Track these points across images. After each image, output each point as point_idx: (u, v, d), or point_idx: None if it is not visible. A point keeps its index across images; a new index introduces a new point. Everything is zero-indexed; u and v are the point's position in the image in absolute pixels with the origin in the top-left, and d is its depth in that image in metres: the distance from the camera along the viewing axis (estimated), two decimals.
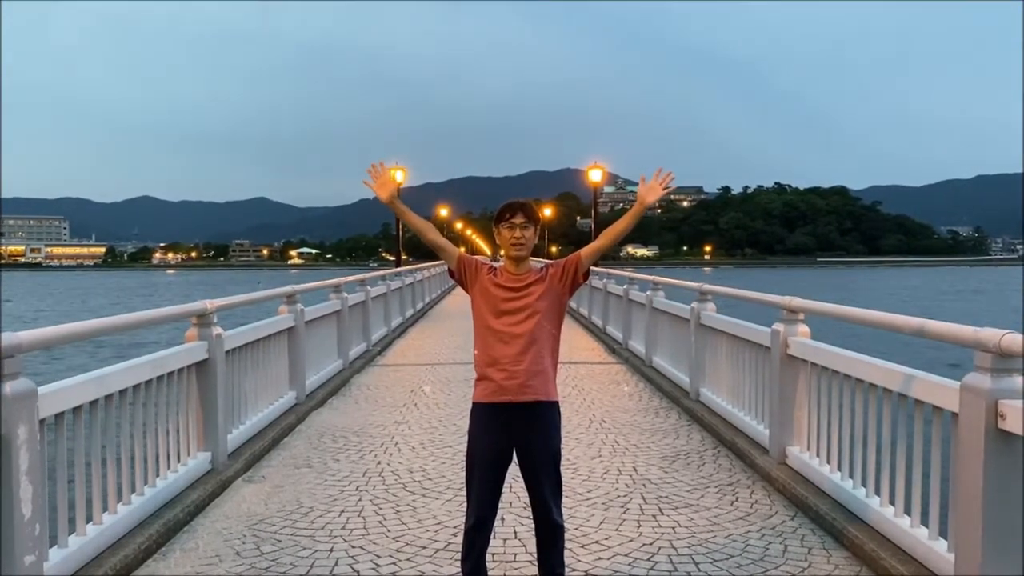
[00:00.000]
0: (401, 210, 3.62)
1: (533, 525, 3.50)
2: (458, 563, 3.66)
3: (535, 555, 3.59)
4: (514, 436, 3.39)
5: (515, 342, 3.36)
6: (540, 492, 3.40)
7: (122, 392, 4.32)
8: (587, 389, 9.12)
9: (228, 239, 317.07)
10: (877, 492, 4.27)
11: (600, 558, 4.15)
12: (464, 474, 3.50)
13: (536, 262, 3.64)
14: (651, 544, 4.35)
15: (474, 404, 3.46)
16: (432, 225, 3.57)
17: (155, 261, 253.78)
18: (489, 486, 3.39)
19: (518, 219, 3.43)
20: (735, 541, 4.40)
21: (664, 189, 3.42)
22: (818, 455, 5.10)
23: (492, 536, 3.57)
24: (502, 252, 3.55)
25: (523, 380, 3.35)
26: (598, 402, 8.39)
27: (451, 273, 3.57)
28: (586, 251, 3.52)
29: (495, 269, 3.53)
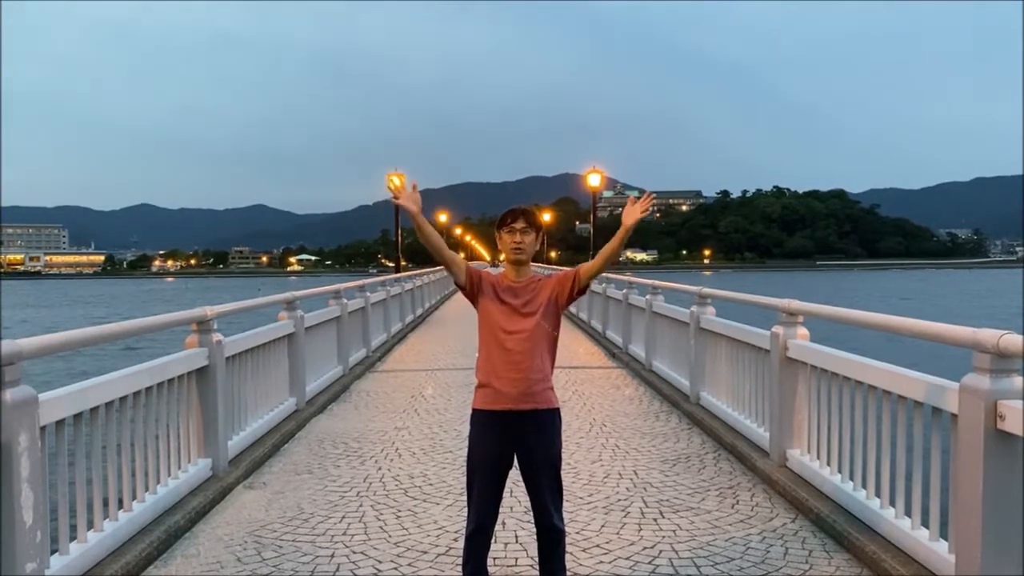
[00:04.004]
0: (422, 223, 3.46)
1: (534, 530, 3.51)
2: (459, 568, 3.67)
3: (536, 559, 3.59)
4: (514, 442, 3.39)
5: (516, 349, 3.37)
6: (541, 498, 3.41)
7: (123, 399, 4.32)
8: (587, 393, 9.12)
9: (227, 246, 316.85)
10: (877, 494, 4.28)
11: (601, 562, 4.15)
12: (464, 479, 3.50)
13: (541, 268, 3.67)
14: (652, 547, 4.35)
15: (474, 410, 3.46)
16: (441, 244, 3.52)
17: (154, 269, 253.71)
18: (490, 492, 3.40)
19: (519, 224, 3.45)
20: (736, 544, 4.40)
21: (642, 212, 3.45)
22: (818, 458, 5.10)
23: (493, 541, 3.58)
24: (502, 257, 3.57)
25: (524, 388, 3.35)
26: (598, 406, 8.39)
27: (460, 288, 3.54)
28: (585, 268, 3.53)
29: (496, 276, 3.53)
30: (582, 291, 3.56)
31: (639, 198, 3.52)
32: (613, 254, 3.54)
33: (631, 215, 3.47)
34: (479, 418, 3.43)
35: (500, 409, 3.37)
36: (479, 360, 3.47)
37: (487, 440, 3.40)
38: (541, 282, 3.51)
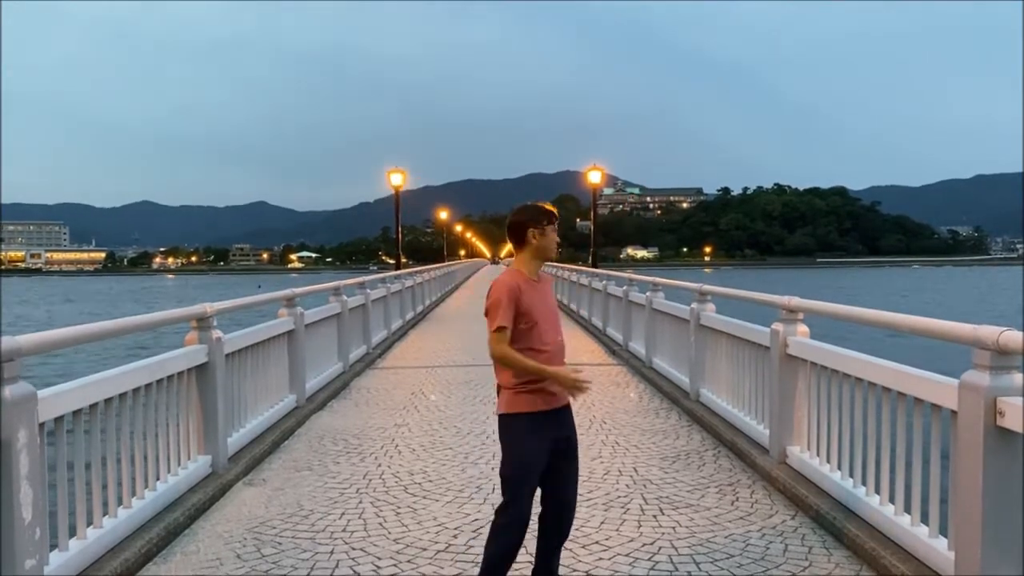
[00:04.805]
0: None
1: (538, 525, 3.51)
2: (457, 564, 3.68)
3: (534, 556, 3.58)
4: (557, 438, 3.43)
5: (555, 345, 3.44)
6: (572, 489, 3.50)
7: (122, 396, 4.32)
8: (587, 390, 9.07)
9: (228, 243, 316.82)
10: (877, 491, 4.27)
11: (601, 558, 4.15)
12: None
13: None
14: (652, 544, 4.35)
15: (525, 414, 3.37)
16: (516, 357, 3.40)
17: (155, 266, 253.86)
18: (534, 493, 3.42)
19: (557, 225, 3.54)
20: (735, 541, 4.40)
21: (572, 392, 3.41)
22: (818, 454, 5.10)
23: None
24: (503, 253, 3.58)
25: None
26: (598, 403, 8.39)
27: None
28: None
29: (518, 279, 3.43)
30: None
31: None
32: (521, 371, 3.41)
33: (564, 384, 3.38)
34: (534, 420, 3.37)
35: (555, 408, 3.42)
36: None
37: (542, 441, 3.38)
38: (548, 280, 3.61)
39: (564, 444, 3.45)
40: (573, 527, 4.46)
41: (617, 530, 4.58)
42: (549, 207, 3.58)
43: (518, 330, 3.35)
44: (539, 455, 3.38)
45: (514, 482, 3.38)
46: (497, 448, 3.76)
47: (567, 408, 3.50)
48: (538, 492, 3.47)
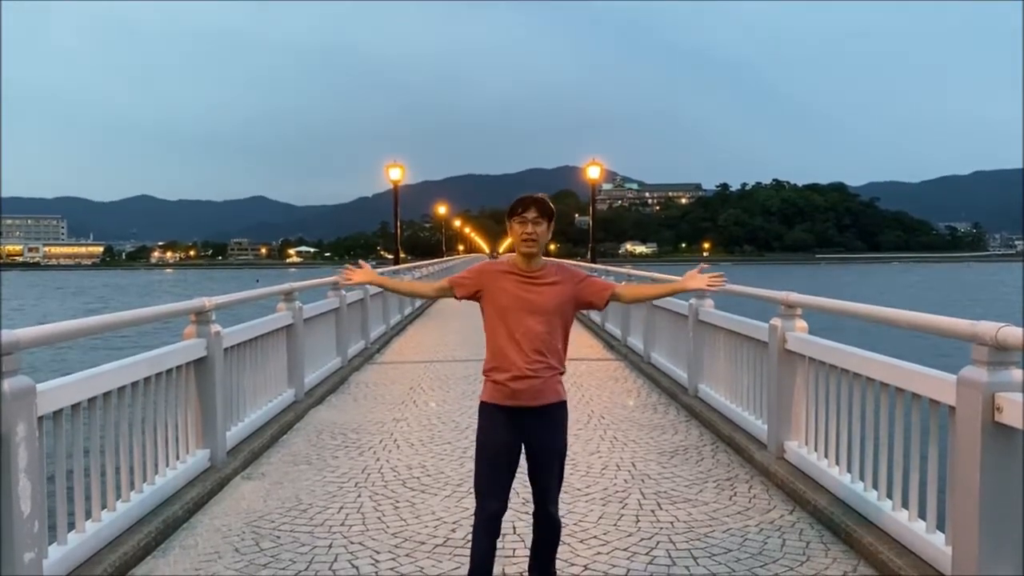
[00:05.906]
0: (386, 283, 3.75)
1: (532, 522, 3.50)
2: (455, 558, 3.68)
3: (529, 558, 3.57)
4: (524, 435, 3.33)
5: (528, 342, 3.26)
6: (544, 488, 3.38)
7: (120, 390, 4.32)
8: (586, 386, 9.13)
9: (226, 238, 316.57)
10: (875, 486, 4.28)
11: (599, 553, 4.15)
12: (471, 470, 3.43)
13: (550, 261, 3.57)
14: (649, 539, 4.36)
15: (485, 403, 3.36)
16: (418, 283, 3.56)
17: (153, 260, 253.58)
18: (501, 482, 3.34)
19: (530, 214, 3.30)
20: (733, 535, 4.41)
21: (707, 286, 3.57)
22: (816, 450, 5.11)
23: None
24: (502, 249, 3.55)
25: (537, 385, 3.27)
26: (597, 398, 8.40)
27: (465, 298, 3.46)
28: (627, 293, 3.59)
29: (504, 265, 3.39)
30: (598, 307, 3.52)
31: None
32: (649, 299, 3.59)
33: (694, 281, 3.55)
34: (491, 411, 3.33)
35: (520, 406, 3.28)
36: (488, 352, 3.36)
37: (499, 433, 3.31)
38: (558, 273, 3.40)
39: (533, 450, 3.35)
40: (572, 522, 4.50)
41: (615, 525, 4.58)
42: (523, 197, 3.38)
43: (485, 314, 3.37)
44: (498, 446, 3.30)
45: (477, 471, 3.36)
46: None
47: (540, 411, 3.32)
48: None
